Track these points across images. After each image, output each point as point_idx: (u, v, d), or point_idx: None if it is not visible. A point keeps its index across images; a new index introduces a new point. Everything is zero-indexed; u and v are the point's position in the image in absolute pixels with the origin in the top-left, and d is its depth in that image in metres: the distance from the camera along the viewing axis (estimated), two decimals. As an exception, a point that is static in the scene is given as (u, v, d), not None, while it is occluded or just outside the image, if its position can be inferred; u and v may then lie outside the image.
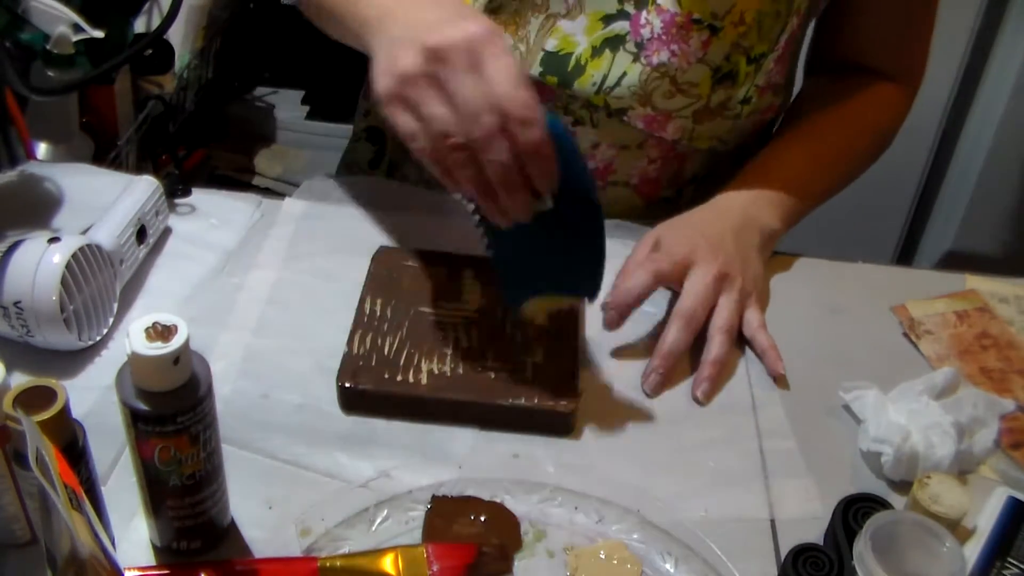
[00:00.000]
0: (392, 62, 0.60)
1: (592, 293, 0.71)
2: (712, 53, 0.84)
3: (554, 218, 0.65)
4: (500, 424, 0.72)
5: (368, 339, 0.75)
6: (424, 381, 0.72)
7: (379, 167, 1.04)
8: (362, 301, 0.78)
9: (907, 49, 0.96)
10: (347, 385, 0.72)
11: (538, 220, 0.64)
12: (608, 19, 0.85)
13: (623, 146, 0.92)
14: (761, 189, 0.86)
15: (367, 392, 0.72)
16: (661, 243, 0.81)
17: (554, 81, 0.87)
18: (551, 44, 0.86)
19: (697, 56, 0.84)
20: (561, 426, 0.72)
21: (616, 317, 0.76)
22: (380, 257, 0.83)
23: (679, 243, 0.80)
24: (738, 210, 0.85)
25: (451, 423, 0.72)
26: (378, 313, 0.77)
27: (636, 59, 0.85)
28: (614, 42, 0.85)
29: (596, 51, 0.85)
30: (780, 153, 0.91)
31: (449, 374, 0.73)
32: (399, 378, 0.72)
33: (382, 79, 0.61)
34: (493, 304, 0.79)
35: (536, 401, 0.71)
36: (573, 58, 0.86)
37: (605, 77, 0.86)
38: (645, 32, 0.84)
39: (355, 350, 0.74)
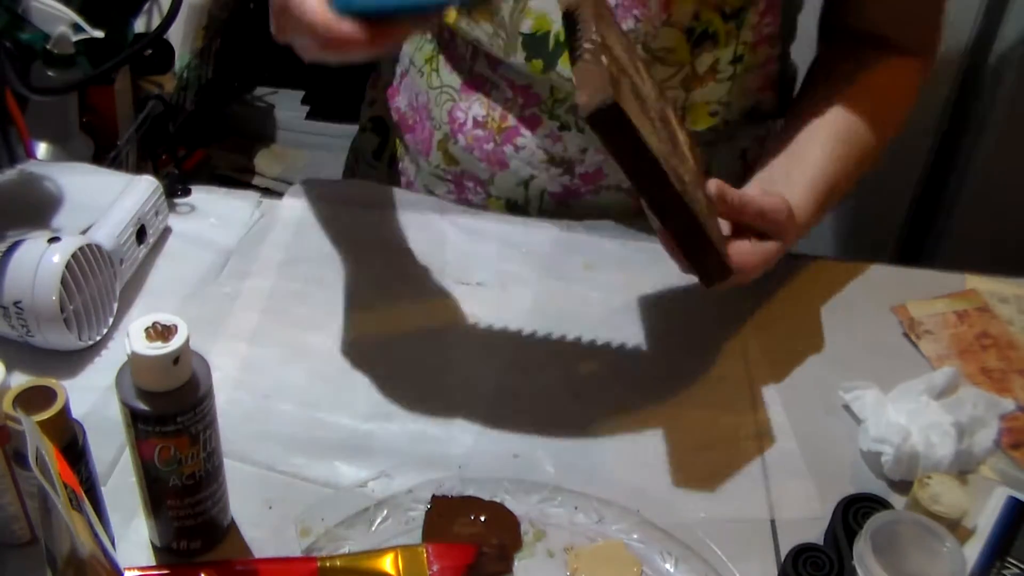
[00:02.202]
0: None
1: None
2: (677, 13, 0.83)
3: None
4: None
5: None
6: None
7: (382, 157, 1.05)
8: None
9: (922, 20, 0.93)
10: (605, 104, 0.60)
11: None
12: None
13: None
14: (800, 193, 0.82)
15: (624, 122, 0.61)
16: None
17: (539, 65, 0.86)
18: (527, 26, 0.85)
19: (661, 19, 0.83)
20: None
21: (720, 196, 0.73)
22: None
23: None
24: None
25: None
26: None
27: None
28: None
29: None
30: (806, 153, 0.86)
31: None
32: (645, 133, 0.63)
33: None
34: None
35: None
36: (551, 37, 0.85)
37: None
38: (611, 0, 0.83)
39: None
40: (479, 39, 0.87)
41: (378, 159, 1.05)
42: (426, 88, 0.96)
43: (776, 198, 0.75)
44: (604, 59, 0.64)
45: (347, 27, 0.63)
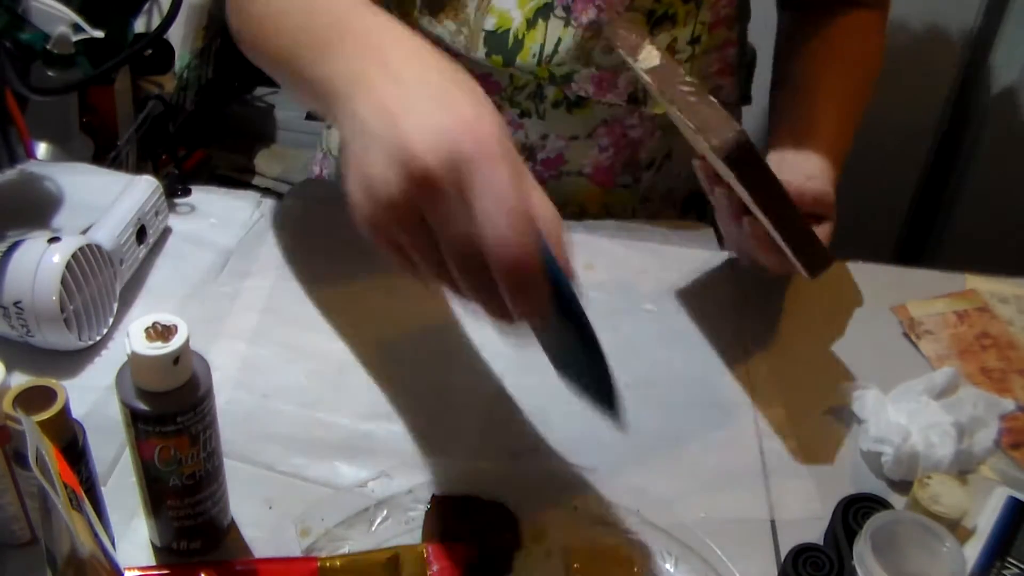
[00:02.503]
0: (369, 181, 0.50)
1: (612, 411, 0.58)
2: None
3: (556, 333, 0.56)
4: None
5: None
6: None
7: None
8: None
9: None
10: None
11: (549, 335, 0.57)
12: None
13: (572, 136, 0.93)
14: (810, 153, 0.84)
15: None
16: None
17: (499, 61, 0.87)
18: (490, 23, 0.86)
19: (623, 5, 0.84)
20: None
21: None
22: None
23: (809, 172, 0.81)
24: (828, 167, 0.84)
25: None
26: None
27: (567, 23, 0.85)
28: (544, 11, 0.85)
29: (530, 23, 0.86)
30: (808, 113, 0.89)
31: None
32: None
33: (359, 197, 0.51)
34: None
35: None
36: (511, 34, 0.86)
37: (542, 47, 0.86)
38: None
39: None
40: (440, 36, 0.88)
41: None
42: None
43: (817, 182, 0.79)
44: (710, 96, 0.68)
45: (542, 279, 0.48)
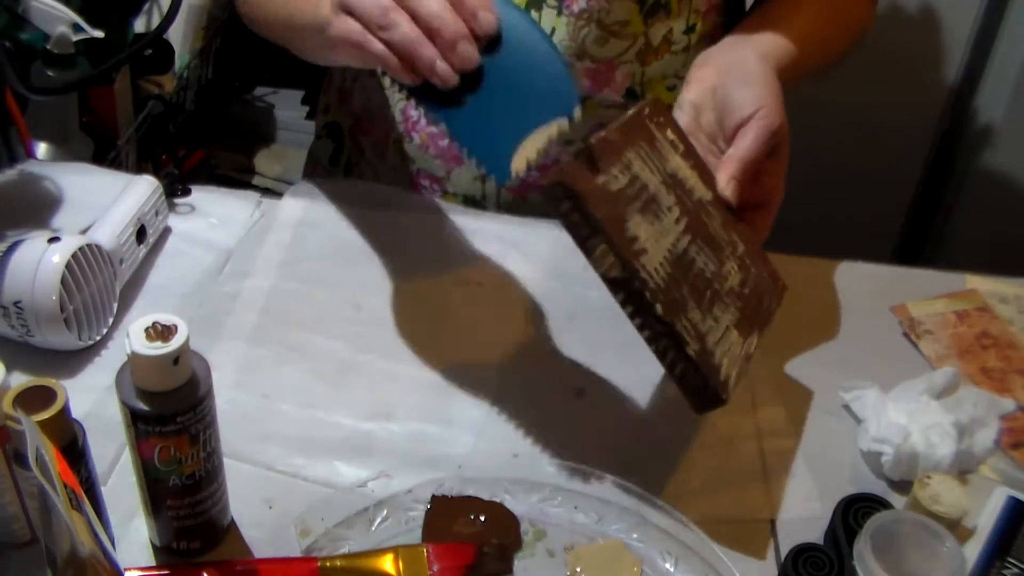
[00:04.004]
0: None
1: (570, 107, 0.66)
2: None
3: (497, 60, 0.65)
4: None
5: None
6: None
7: (338, 163, 1.05)
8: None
9: None
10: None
11: (482, 73, 0.64)
12: None
13: (568, 141, 0.92)
14: (769, 50, 0.83)
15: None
16: (733, 102, 0.78)
17: None
18: None
19: None
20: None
21: (740, 178, 0.75)
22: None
23: (754, 104, 0.77)
24: (770, 67, 0.81)
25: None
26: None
27: (560, 12, 0.85)
28: (536, 1, 0.85)
29: None
30: (777, 17, 0.87)
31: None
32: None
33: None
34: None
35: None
36: None
37: None
38: None
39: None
40: None
41: (335, 165, 1.05)
42: (379, 88, 0.96)
43: (759, 123, 0.75)
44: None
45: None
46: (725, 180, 0.74)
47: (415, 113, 0.93)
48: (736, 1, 0.96)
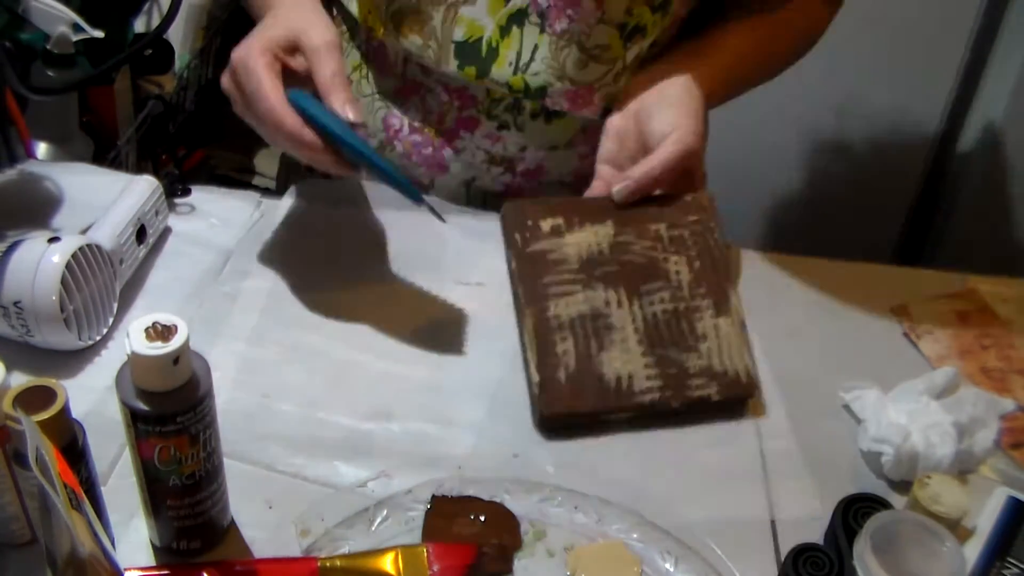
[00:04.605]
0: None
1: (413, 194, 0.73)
2: (610, 10, 0.84)
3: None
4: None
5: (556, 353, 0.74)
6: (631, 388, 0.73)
7: (315, 170, 1.03)
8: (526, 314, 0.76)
9: None
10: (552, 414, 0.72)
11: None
12: None
13: (552, 147, 0.92)
14: (699, 71, 0.87)
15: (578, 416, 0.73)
16: (651, 126, 0.83)
17: (472, 72, 0.86)
18: (459, 34, 0.85)
19: (595, 16, 0.84)
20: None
21: (635, 190, 0.80)
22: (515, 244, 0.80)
23: (670, 125, 0.83)
24: (694, 88, 0.86)
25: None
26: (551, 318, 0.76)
27: (542, 30, 0.85)
28: (518, 17, 0.85)
29: (504, 30, 0.85)
30: (713, 40, 0.90)
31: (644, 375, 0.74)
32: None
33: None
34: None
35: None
36: (484, 43, 0.85)
37: (519, 55, 0.85)
38: (543, 1, 0.84)
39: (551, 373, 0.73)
40: (409, 51, 0.87)
41: (312, 171, 1.04)
42: (356, 96, 0.95)
43: (668, 145, 0.81)
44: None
45: (308, 136, 0.71)
46: (615, 189, 0.80)
47: (396, 121, 0.93)
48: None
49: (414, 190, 0.73)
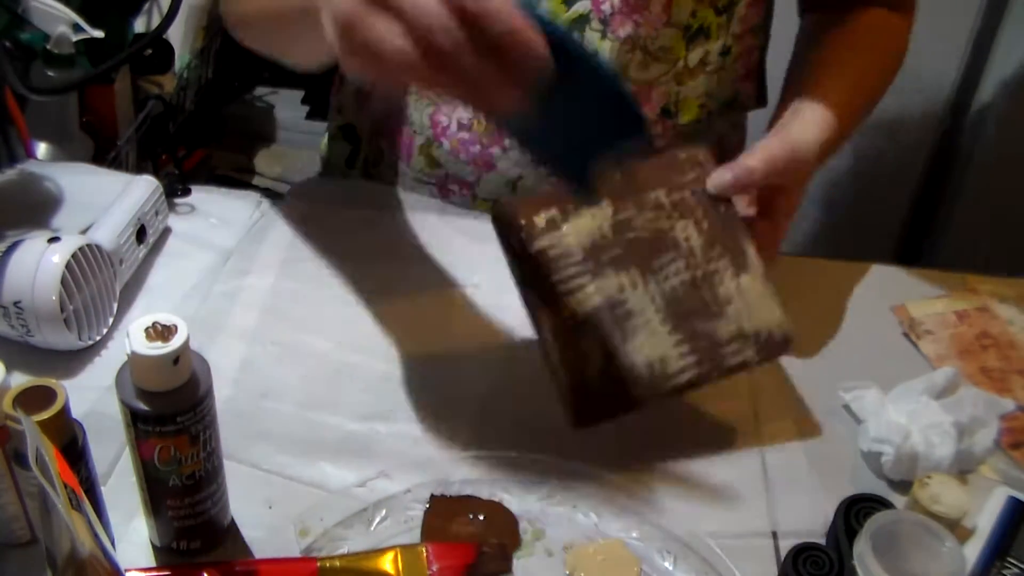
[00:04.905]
0: (333, 7, 0.53)
1: (640, 130, 0.61)
2: (676, 13, 0.84)
3: (564, 85, 0.55)
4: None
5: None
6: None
7: (355, 166, 1.04)
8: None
9: None
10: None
11: (550, 95, 0.55)
12: (569, 0, 0.85)
13: None
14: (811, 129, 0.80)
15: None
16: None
17: None
18: None
19: (662, 20, 0.84)
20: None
21: (732, 183, 0.73)
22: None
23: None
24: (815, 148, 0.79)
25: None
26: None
27: (604, 35, 0.85)
28: (580, 22, 0.85)
29: None
30: (814, 88, 0.84)
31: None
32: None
33: (329, 31, 0.54)
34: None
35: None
36: None
37: None
38: (606, 8, 0.84)
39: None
40: None
41: (351, 167, 1.04)
42: (403, 92, 0.96)
43: (774, 143, 0.74)
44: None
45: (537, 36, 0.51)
46: (710, 178, 0.73)
47: (444, 119, 0.93)
48: (769, 20, 0.96)
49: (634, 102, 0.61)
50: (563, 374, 0.69)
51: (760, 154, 0.74)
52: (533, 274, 0.71)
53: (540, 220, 0.72)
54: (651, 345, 0.69)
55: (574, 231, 0.71)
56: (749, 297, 0.71)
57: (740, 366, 0.70)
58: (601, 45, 0.85)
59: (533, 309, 0.72)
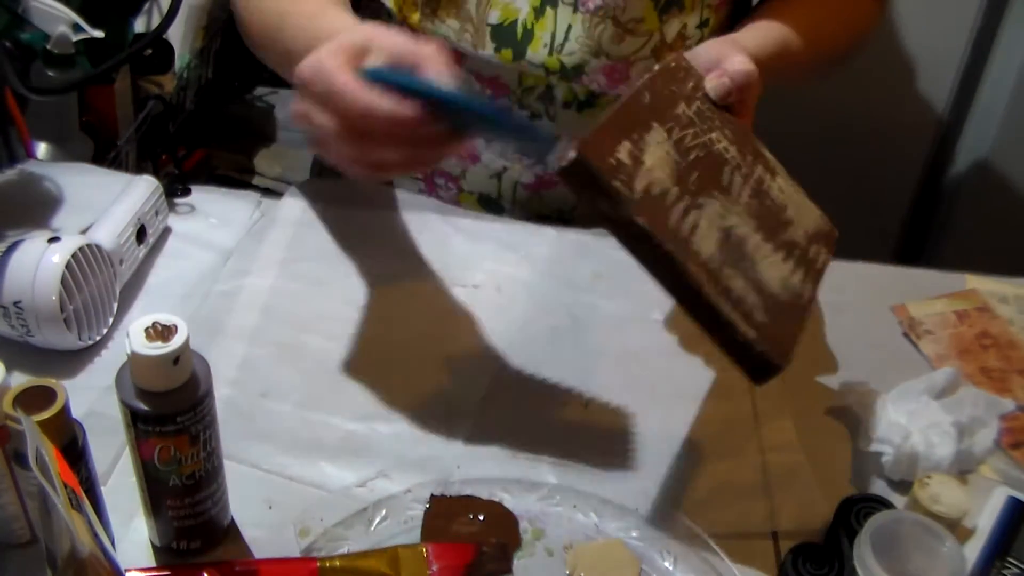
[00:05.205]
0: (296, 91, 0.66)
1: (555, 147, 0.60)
2: None
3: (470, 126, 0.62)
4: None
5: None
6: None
7: None
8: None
9: None
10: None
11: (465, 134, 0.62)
12: None
13: None
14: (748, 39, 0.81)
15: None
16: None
17: (508, 55, 0.87)
18: (494, 17, 0.86)
19: None
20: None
21: (732, 87, 0.71)
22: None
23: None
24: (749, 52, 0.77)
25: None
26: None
27: (575, 9, 0.85)
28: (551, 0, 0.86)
29: (538, 11, 0.86)
30: (767, 12, 0.87)
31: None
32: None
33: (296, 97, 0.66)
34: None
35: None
36: (519, 25, 0.86)
37: (553, 35, 0.86)
38: None
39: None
40: (446, 36, 0.88)
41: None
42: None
43: (728, 45, 0.75)
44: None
45: (410, 106, 0.58)
46: (709, 84, 0.71)
47: None
48: None
49: (542, 132, 0.61)
50: (745, 328, 0.59)
51: (741, 55, 0.73)
52: (659, 223, 0.59)
53: (625, 157, 0.61)
54: (770, 265, 0.62)
55: (655, 161, 0.62)
56: (794, 197, 0.66)
57: (823, 269, 0.64)
58: (574, 19, 0.85)
59: (676, 266, 0.59)
